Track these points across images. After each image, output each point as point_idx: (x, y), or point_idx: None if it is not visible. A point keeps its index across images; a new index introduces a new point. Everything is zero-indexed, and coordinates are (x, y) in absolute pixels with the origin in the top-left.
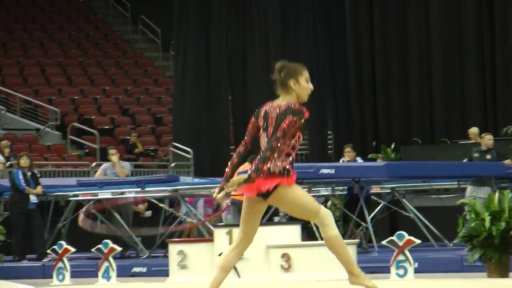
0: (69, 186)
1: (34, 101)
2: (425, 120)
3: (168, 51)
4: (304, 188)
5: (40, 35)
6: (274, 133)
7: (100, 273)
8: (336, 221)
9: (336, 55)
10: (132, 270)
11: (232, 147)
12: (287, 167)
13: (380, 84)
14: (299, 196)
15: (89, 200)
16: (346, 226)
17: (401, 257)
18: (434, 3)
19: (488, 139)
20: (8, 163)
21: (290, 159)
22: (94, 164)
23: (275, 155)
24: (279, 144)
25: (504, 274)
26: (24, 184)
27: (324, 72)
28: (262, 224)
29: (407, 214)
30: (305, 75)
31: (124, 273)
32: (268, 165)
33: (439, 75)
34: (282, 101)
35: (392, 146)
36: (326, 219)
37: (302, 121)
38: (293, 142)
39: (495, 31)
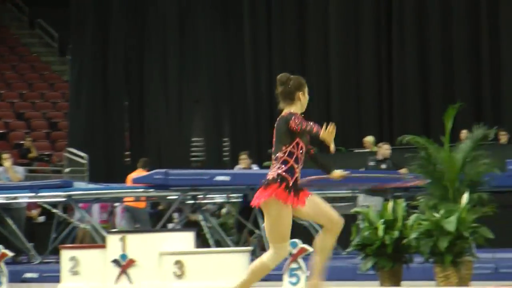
0: None
1: None
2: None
3: (65, 56)
4: (199, 195)
5: None
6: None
7: None
8: (230, 229)
9: (234, 61)
10: (23, 276)
11: (127, 152)
12: (283, 174)
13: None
14: (278, 221)
15: None
16: (240, 233)
17: (294, 265)
18: (332, 13)
19: (385, 149)
20: None
21: (287, 167)
22: None
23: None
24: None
25: (396, 283)
26: None
27: (221, 78)
28: (155, 230)
29: (302, 221)
30: (306, 88)
31: (15, 278)
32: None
33: (335, 83)
34: (284, 112)
35: None
36: (279, 253)
37: (288, 125)
38: (289, 148)
39: (392, 39)
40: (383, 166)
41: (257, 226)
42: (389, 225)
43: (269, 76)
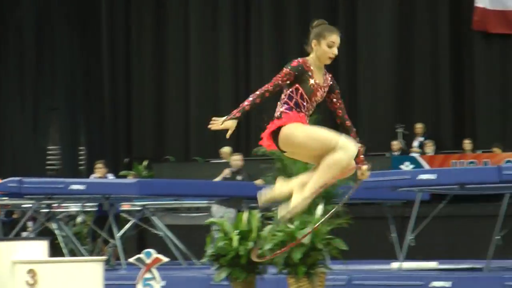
0: None
1: None
2: (179, 137)
3: None
4: (53, 203)
5: None
6: None
7: None
8: (85, 238)
9: (90, 70)
10: None
11: None
12: (285, 111)
13: (135, 100)
14: (305, 129)
15: None
16: (94, 242)
17: (148, 275)
18: (193, 20)
19: (236, 160)
20: None
21: (288, 106)
22: None
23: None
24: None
25: None
26: None
27: (79, 85)
28: (8, 239)
29: (157, 232)
30: (329, 39)
31: None
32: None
33: (194, 93)
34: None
35: (145, 163)
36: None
37: (286, 68)
38: (289, 92)
39: (251, 56)
40: (239, 177)
41: (112, 235)
42: (244, 236)
43: (126, 84)
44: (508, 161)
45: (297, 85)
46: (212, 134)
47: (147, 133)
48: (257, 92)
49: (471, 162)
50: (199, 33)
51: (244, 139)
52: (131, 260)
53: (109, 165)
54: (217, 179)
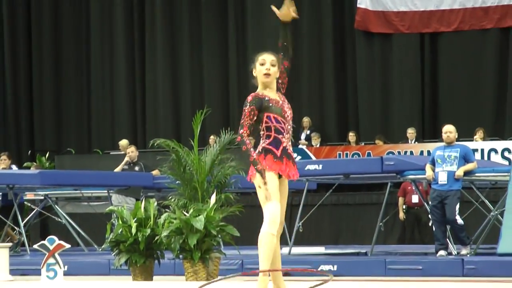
0: None
1: None
2: (81, 130)
3: None
4: None
5: None
6: None
7: None
8: None
9: None
10: None
11: None
12: (267, 147)
13: (36, 95)
14: (261, 192)
15: None
16: (1, 230)
17: (51, 260)
18: (92, 17)
19: (131, 151)
20: None
21: (270, 140)
22: None
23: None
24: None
25: (148, 278)
26: None
27: None
28: None
29: (59, 219)
30: (259, 60)
31: None
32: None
33: (95, 87)
34: None
35: (47, 155)
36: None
37: (246, 107)
38: (265, 125)
39: (145, 49)
40: (137, 168)
41: (17, 223)
42: (142, 223)
43: (27, 80)
44: (390, 152)
45: (265, 113)
46: (110, 127)
47: (49, 126)
48: (247, 145)
49: (355, 154)
50: (96, 28)
51: (142, 131)
52: (35, 246)
53: (13, 157)
54: (116, 169)
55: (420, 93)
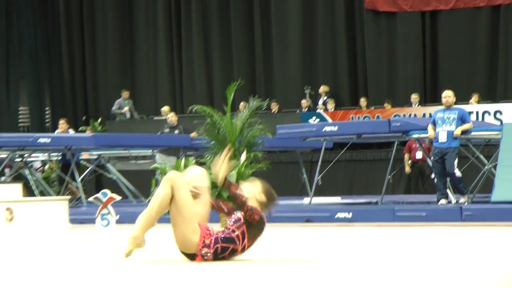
0: None
1: None
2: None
3: None
4: (25, 154)
5: None
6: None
7: None
8: (53, 182)
9: (51, 43)
10: None
11: None
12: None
13: (89, 70)
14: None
15: None
16: (60, 185)
17: (105, 211)
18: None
19: (172, 116)
20: None
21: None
22: None
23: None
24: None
25: None
26: None
27: (42, 57)
28: None
29: (111, 176)
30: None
31: None
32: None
33: (138, 60)
34: None
35: (99, 120)
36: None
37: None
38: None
39: (181, 28)
40: (176, 131)
41: (74, 179)
42: None
43: (81, 57)
44: (396, 115)
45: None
46: (154, 95)
47: (101, 95)
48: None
49: (366, 116)
50: (141, 8)
51: (180, 99)
52: (90, 199)
53: (70, 122)
54: (159, 133)
55: (422, 63)
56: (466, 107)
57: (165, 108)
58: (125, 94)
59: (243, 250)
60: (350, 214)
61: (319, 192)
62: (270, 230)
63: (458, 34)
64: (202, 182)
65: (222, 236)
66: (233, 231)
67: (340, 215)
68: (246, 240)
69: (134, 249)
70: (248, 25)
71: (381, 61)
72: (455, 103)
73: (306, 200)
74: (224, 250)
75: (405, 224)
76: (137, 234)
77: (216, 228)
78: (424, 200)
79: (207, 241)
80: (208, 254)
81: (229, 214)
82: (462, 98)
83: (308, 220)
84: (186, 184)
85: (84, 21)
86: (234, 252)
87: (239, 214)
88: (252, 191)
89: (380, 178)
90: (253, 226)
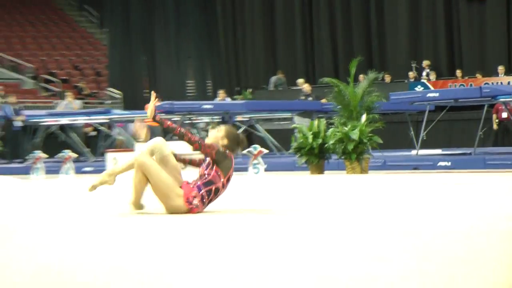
0: (41, 115)
1: (17, 60)
2: (270, 73)
3: (103, 28)
4: (193, 117)
5: (21, 24)
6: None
7: (62, 171)
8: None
9: (211, 30)
10: (83, 169)
11: (145, 90)
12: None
13: (240, 48)
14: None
15: (53, 125)
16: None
17: (256, 161)
18: None
19: (306, 87)
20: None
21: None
22: (57, 101)
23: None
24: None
25: (320, 172)
26: (12, 114)
27: (204, 40)
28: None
29: (259, 134)
30: None
31: (77, 171)
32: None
33: (281, 43)
34: None
35: (249, 90)
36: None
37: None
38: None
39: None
40: (310, 98)
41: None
42: (315, 135)
43: (234, 40)
44: (486, 83)
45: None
46: (292, 70)
47: (251, 69)
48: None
49: (461, 84)
50: None
51: (312, 72)
52: (244, 152)
53: (227, 92)
54: (297, 99)
55: (507, 41)
56: None
57: (301, 80)
58: (280, 74)
59: (223, 186)
60: (449, 163)
61: (424, 146)
62: (386, 176)
63: None
64: (163, 149)
65: (202, 182)
66: (209, 174)
67: (441, 163)
68: (222, 177)
69: (99, 185)
70: (364, 11)
71: (473, 39)
72: None
73: (413, 152)
74: (209, 193)
75: (494, 170)
76: (111, 173)
77: (193, 180)
78: (508, 151)
79: (193, 194)
80: (197, 204)
81: (199, 165)
82: None
83: (415, 168)
84: (153, 163)
85: (235, 10)
86: (217, 191)
87: (207, 159)
88: (216, 136)
89: (473, 134)
90: (220, 162)
